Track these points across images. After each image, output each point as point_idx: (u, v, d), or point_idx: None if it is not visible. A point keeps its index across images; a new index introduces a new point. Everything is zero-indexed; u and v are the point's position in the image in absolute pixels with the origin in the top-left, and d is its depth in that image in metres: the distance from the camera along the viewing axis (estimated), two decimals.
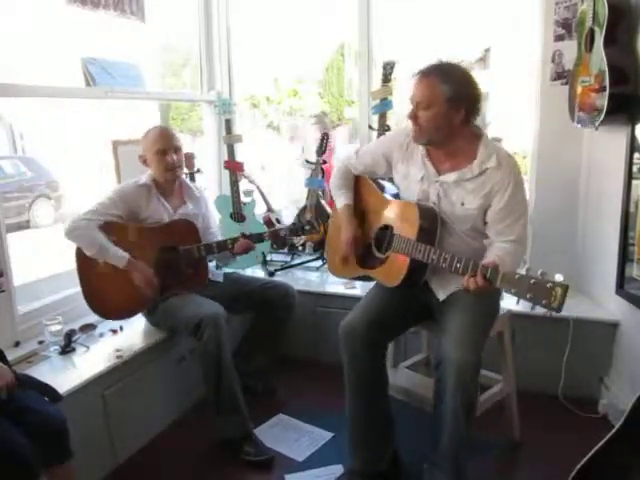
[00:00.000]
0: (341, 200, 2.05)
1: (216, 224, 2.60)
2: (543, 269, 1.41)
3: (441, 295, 1.85)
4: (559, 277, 1.39)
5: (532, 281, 1.40)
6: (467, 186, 1.75)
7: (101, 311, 2.21)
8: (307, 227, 2.31)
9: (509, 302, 2.28)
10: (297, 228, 2.34)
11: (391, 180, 2.10)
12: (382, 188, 2.05)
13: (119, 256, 2.11)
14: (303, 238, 2.99)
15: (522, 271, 1.46)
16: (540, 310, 2.51)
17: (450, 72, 1.70)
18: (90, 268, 2.15)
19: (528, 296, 1.41)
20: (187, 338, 2.20)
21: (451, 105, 1.67)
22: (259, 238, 2.32)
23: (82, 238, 2.10)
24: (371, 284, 2.02)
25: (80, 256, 2.15)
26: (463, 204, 1.76)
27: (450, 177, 1.77)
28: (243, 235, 2.28)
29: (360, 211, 2.04)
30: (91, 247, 2.10)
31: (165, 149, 2.21)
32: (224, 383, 2.05)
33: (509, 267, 1.54)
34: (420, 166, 1.84)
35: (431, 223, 1.76)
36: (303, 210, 3.08)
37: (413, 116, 1.73)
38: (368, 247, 1.98)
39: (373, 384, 1.82)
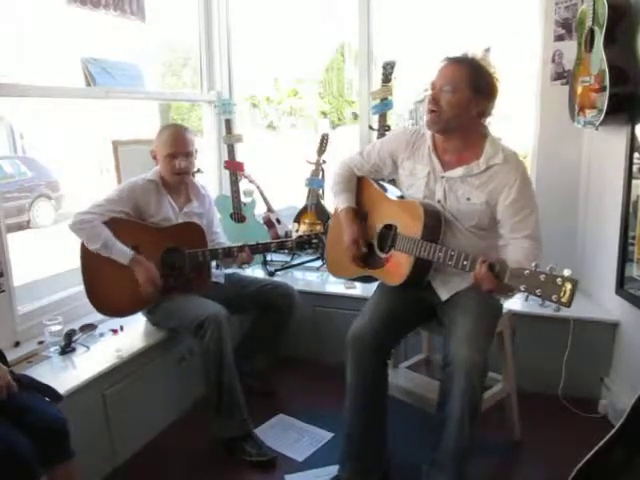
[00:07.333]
0: (342, 201, 2.04)
1: (218, 224, 2.61)
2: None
3: (444, 295, 1.85)
4: (567, 272, 1.37)
5: (541, 277, 1.39)
6: (473, 182, 1.77)
7: (102, 307, 2.20)
8: (314, 240, 2.36)
9: (510, 302, 2.28)
10: (304, 241, 2.37)
11: (392, 182, 2.10)
12: (384, 189, 2.05)
13: (124, 253, 2.10)
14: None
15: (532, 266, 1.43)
16: (541, 310, 2.52)
17: (480, 66, 1.75)
18: (94, 263, 2.14)
19: (538, 292, 1.40)
20: (188, 338, 2.19)
21: (475, 94, 1.71)
22: (266, 248, 2.35)
23: (86, 232, 2.10)
24: (371, 285, 2.01)
25: (85, 250, 2.14)
26: (469, 199, 1.77)
27: (457, 172, 1.79)
28: (249, 246, 2.27)
29: (362, 211, 2.04)
30: (95, 242, 2.09)
31: (175, 154, 2.21)
32: (225, 382, 2.05)
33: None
34: (426, 162, 1.85)
35: (436, 222, 1.76)
36: (303, 211, 3.09)
37: (435, 99, 1.72)
38: (370, 247, 1.97)
39: (374, 387, 1.80)
